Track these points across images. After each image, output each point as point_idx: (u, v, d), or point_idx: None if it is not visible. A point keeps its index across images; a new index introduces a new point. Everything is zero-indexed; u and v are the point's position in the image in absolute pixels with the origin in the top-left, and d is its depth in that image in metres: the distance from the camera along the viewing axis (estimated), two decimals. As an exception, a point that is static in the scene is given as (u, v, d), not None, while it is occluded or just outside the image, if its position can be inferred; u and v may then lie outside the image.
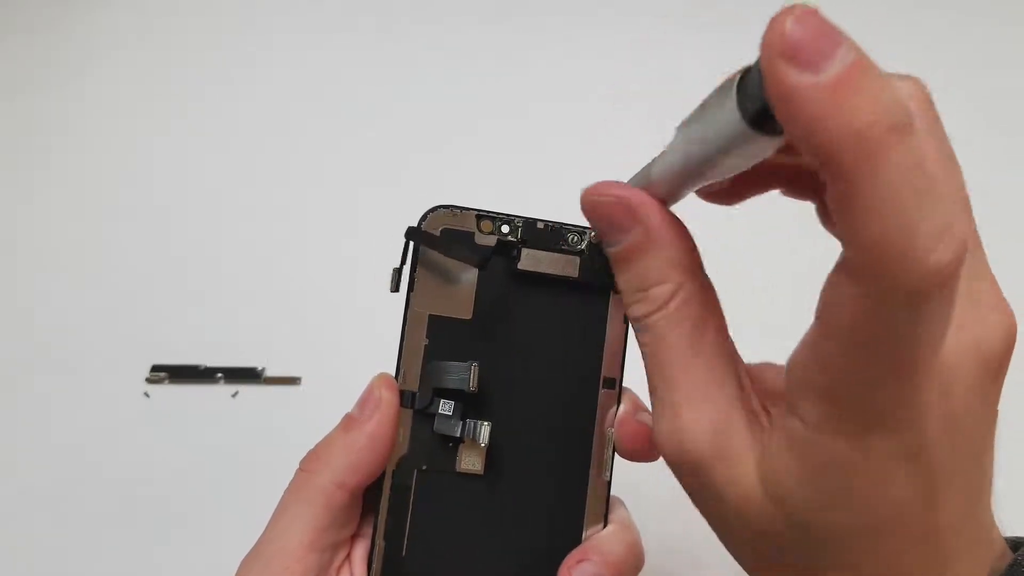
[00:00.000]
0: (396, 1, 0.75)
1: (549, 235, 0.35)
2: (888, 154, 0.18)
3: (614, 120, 0.70)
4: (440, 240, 0.35)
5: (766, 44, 0.18)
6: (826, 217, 0.31)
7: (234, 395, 0.59)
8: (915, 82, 0.25)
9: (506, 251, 0.35)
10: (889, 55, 0.22)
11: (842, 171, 0.18)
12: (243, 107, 0.70)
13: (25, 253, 0.64)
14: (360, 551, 0.35)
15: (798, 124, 0.18)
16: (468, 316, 0.35)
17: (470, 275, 0.35)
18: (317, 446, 0.35)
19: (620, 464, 0.36)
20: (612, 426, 0.35)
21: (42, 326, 0.61)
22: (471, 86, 0.71)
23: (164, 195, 0.66)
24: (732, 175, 0.23)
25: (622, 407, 0.35)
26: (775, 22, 0.17)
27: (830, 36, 0.17)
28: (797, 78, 0.17)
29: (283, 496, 0.34)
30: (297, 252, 0.64)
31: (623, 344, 0.36)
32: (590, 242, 0.35)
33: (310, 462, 0.34)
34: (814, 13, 0.17)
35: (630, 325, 0.29)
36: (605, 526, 0.35)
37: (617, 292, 0.35)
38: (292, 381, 0.59)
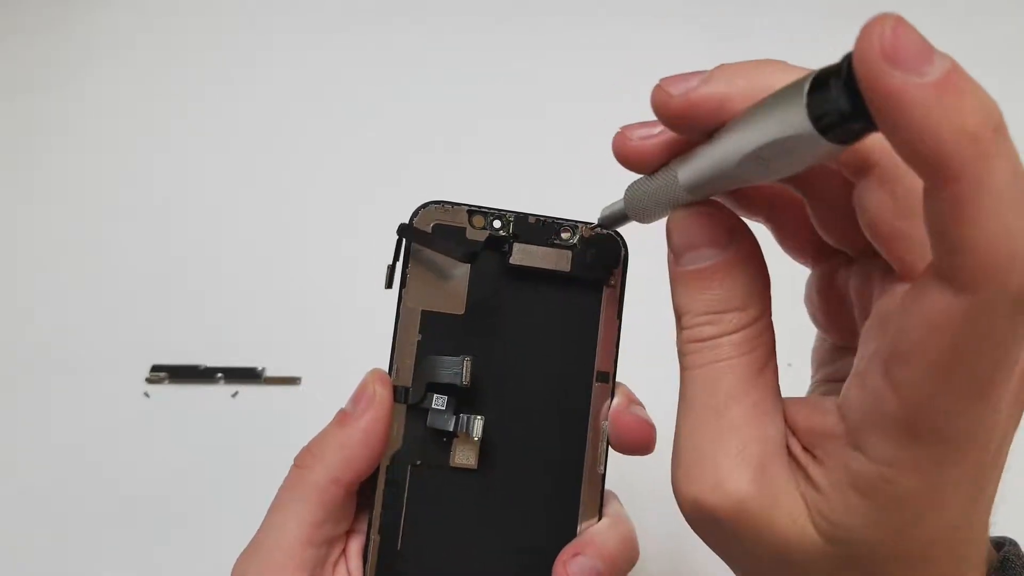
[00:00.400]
0: (396, 1, 0.75)
1: (541, 229, 0.35)
2: (997, 155, 0.18)
3: (614, 120, 0.70)
4: (430, 236, 0.35)
5: (864, 49, 0.17)
6: (785, 238, 0.30)
7: (234, 395, 0.59)
8: None
9: (498, 246, 0.35)
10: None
11: (954, 173, 0.18)
12: (243, 107, 0.70)
13: (25, 253, 0.64)
14: (355, 546, 0.35)
15: (905, 127, 0.18)
16: (461, 311, 0.35)
17: (463, 271, 0.35)
18: (311, 442, 0.35)
19: (613, 458, 0.36)
20: (606, 419, 0.35)
21: (42, 326, 0.61)
22: (471, 86, 0.71)
23: (164, 195, 0.66)
24: (772, 180, 0.23)
25: (615, 400, 0.36)
26: (870, 28, 0.17)
27: (924, 41, 0.18)
28: (903, 80, 0.17)
29: (278, 492, 0.34)
30: (297, 252, 0.64)
31: (616, 338, 0.36)
32: (582, 236, 0.35)
33: (304, 458, 0.34)
34: (905, 21, 0.18)
35: (678, 348, 0.27)
36: (600, 519, 0.35)
37: (611, 286, 0.36)
38: (292, 381, 0.59)
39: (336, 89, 0.71)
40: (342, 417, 0.34)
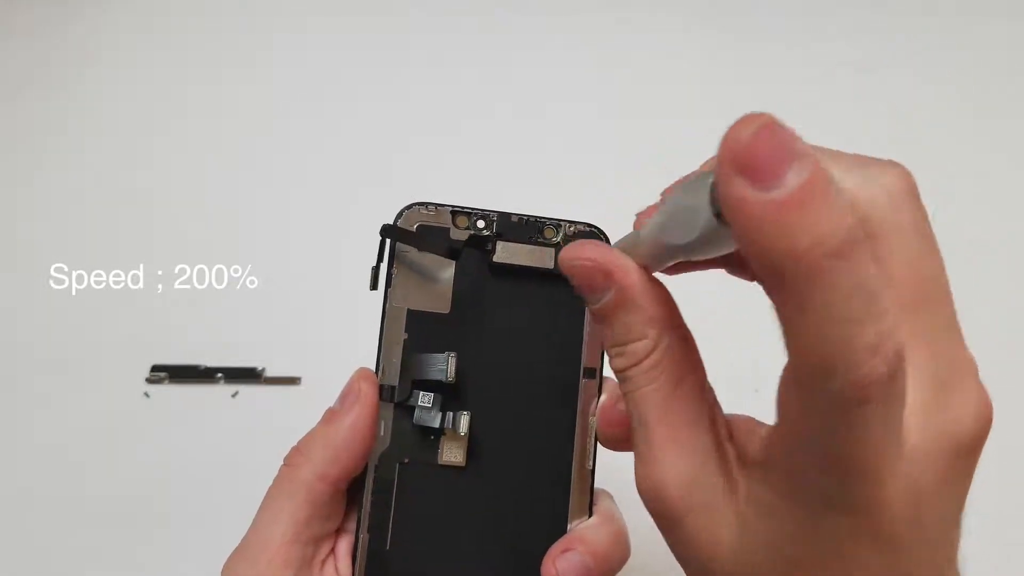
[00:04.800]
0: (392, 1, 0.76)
1: (524, 228, 0.36)
2: (825, 277, 0.18)
3: (605, 120, 0.70)
4: (414, 235, 0.35)
5: (722, 152, 0.17)
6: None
7: (234, 395, 0.59)
8: (898, 172, 0.25)
9: (482, 245, 0.35)
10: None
11: (781, 288, 0.18)
12: (243, 107, 0.70)
13: (25, 253, 0.64)
14: (344, 546, 0.35)
15: (743, 237, 0.18)
16: (446, 310, 0.35)
17: (448, 270, 0.35)
18: (300, 441, 0.35)
19: (603, 455, 0.36)
20: (594, 415, 0.35)
21: (42, 326, 0.61)
22: (467, 87, 0.72)
23: (163, 195, 0.66)
24: (703, 259, 0.23)
25: (603, 396, 0.35)
26: (733, 132, 0.17)
27: (786, 151, 0.17)
28: (747, 192, 0.17)
29: (267, 491, 0.35)
30: (297, 252, 0.64)
31: None
32: (566, 234, 0.35)
33: (293, 457, 0.35)
34: (773, 125, 0.17)
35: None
36: (590, 516, 0.35)
37: None
38: (292, 381, 0.59)
39: (335, 90, 0.71)
40: (329, 415, 0.35)
